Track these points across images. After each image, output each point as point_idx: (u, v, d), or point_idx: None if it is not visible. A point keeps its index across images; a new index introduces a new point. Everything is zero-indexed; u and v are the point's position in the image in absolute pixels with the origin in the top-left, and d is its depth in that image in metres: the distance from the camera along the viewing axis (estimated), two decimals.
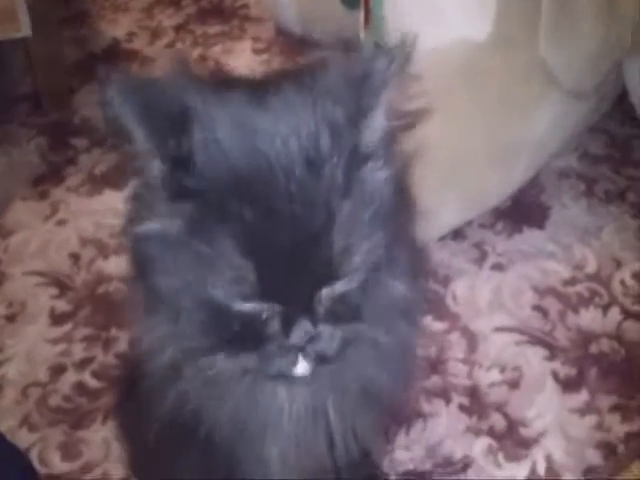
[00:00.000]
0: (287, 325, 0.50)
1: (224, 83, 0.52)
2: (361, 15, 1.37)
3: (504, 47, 1.14)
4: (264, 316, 0.51)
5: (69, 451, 0.94)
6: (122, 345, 1.05)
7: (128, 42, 1.73)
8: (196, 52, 1.67)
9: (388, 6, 1.31)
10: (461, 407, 0.98)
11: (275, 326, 0.51)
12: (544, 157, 1.21)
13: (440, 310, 1.08)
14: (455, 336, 1.06)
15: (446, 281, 1.13)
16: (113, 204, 1.29)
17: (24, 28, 1.37)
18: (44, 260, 1.19)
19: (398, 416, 0.84)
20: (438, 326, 1.07)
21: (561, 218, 1.24)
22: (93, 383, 1.01)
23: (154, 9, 1.85)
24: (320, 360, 0.52)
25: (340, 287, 0.51)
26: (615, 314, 1.09)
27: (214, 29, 1.75)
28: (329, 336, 0.51)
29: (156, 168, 0.48)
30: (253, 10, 1.80)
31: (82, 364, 1.04)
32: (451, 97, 1.11)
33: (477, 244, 1.20)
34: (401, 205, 0.53)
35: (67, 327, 1.08)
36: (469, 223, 1.21)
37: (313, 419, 0.61)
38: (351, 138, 0.47)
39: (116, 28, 1.78)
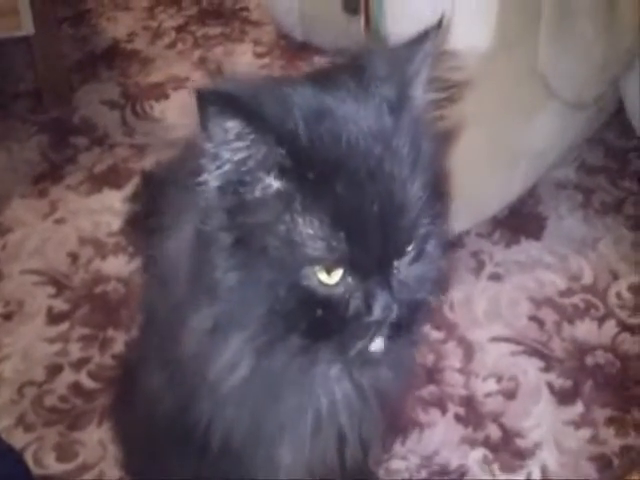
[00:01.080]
0: (369, 301, 0.52)
1: (290, 81, 0.56)
2: (362, 21, 1.38)
3: (504, 56, 1.14)
4: (348, 295, 0.52)
5: (64, 452, 0.94)
6: (119, 346, 1.04)
7: (129, 42, 1.72)
8: (196, 54, 1.67)
9: (388, 13, 1.32)
10: (457, 417, 0.98)
11: (357, 303, 0.52)
12: (543, 167, 1.22)
13: (437, 319, 1.09)
14: (452, 345, 1.07)
15: (444, 289, 1.14)
16: (111, 204, 1.29)
17: (27, 26, 1.36)
18: (42, 259, 1.18)
19: (395, 424, 0.84)
20: (435, 335, 1.07)
21: (558, 229, 1.24)
22: (89, 384, 1.01)
23: (155, 9, 1.84)
24: (394, 335, 0.54)
25: (408, 257, 0.53)
26: (611, 326, 1.09)
27: (214, 31, 1.75)
28: (401, 309, 0.53)
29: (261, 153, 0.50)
30: (254, 13, 1.80)
31: (79, 364, 1.03)
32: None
33: (475, 253, 1.20)
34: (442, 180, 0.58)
35: (64, 326, 1.08)
36: (467, 232, 1.21)
37: (327, 423, 0.62)
38: (406, 113, 0.52)
39: (117, 27, 1.77)
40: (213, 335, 0.56)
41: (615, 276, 1.16)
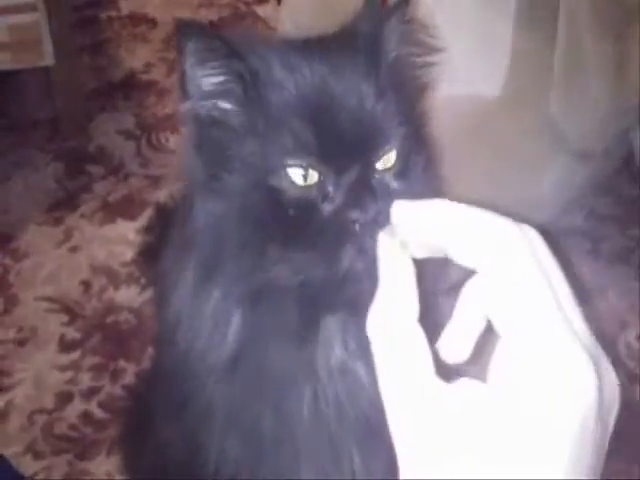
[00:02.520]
0: (349, 200, 0.51)
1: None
2: None
3: (514, 105, 1.17)
4: (323, 195, 0.51)
5: None
6: (129, 377, 1.05)
7: (145, 73, 1.75)
8: None
9: None
10: None
11: (336, 203, 0.51)
12: (551, 216, 1.24)
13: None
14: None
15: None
16: (125, 233, 1.30)
17: (47, 57, 1.39)
18: (55, 286, 1.19)
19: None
20: None
21: (565, 276, 1.25)
22: (99, 413, 1.01)
23: (172, 41, 1.87)
24: None
25: (387, 176, 0.54)
26: (619, 377, 1.10)
27: None
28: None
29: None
30: None
31: (89, 393, 1.04)
32: (459, 153, 1.14)
33: None
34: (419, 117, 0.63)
35: (75, 355, 1.09)
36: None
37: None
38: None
39: (134, 58, 1.80)
40: (195, 294, 0.55)
41: (623, 326, 1.17)
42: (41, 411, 1.01)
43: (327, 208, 0.51)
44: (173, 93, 1.67)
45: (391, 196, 0.50)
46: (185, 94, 0.54)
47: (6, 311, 1.15)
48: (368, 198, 0.50)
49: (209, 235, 0.54)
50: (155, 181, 1.43)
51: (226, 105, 0.54)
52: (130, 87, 1.70)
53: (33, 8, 1.36)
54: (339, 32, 0.61)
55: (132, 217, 1.33)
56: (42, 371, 1.06)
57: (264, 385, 0.58)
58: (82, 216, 1.34)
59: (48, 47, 1.39)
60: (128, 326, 1.13)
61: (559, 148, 1.14)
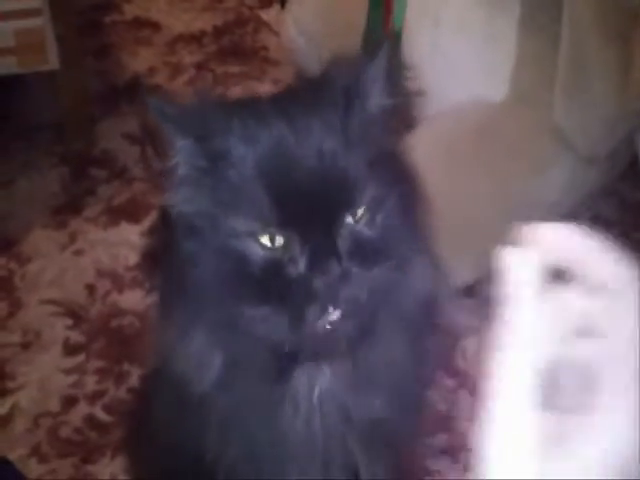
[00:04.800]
0: (312, 264, 0.52)
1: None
2: None
3: (519, 108, 1.18)
4: (287, 256, 0.53)
5: None
6: (133, 380, 1.05)
7: (149, 77, 1.76)
8: (216, 91, 1.70)
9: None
10: (468, 466, 0.98)
11: (300, 267, 0.53)
12: (556, 219, 1.24)
13: (450, 367, 1.10)
14: (464, 394, 1.07)
15: (457, 338, 1.15)
16: (129, 237, 1.31)
17: (53, 61, 1.40)
18: (60, 289, 1.20)
19: (406, 470, 0.84)
20: (448, 383, 1.08)
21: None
22: (104, 417, 1.02)
23: (176, 45, 1.88)
24: (351, 309, 0.53)
25: (358, 226, 0.54)
26: None
27: (234, 69, 1.79)
28: (356, 279, 0.53)
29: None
30: (273, 53, 1.84)
31: (94, 397, 1.04)
32: (465, 157, 1.15)
33: (487, 300, 1.21)
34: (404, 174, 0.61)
35: (80, 358, 1.09)
36: (479, 280, 1.22)
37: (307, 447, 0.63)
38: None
39: (138, 62, 1.81)
40: (182, 333, 0.58)
41: None
42: (46, 414, 1.02)
43: (292, 270, 0.53)
44: (178, 98, 1.68)
45: (362, 244, 0.54)
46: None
47: (11, 315, 1.15)
48: (331, 261, 0.52)
49: (192, 283, 0.57)
50: (159, 184, 1.43)
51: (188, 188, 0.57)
52: (134, 91, 1.70)
53: (38, 13, 1.37)
54: (316, 80, 0.60)
55: (136, 220, 1.34)
56: (47, 374, 1.07)
57: (244, 411, 0.61)
58: (86, 220, 1.35)
59: (53, 51, 1.40)
60: (132, 330, 1.14)
61: (565, 152, 1.14)
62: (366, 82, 0.57)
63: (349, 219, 0.54)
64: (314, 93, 0.57)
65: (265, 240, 0.53)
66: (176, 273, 0.58)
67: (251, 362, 0.59)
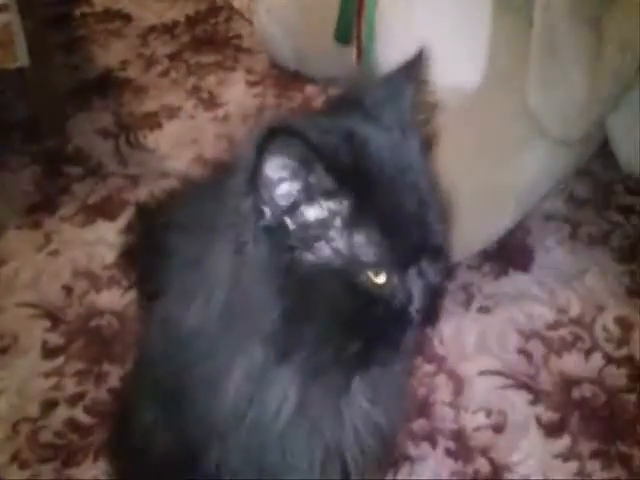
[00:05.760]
0: (410, 291, 0.57)
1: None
2: (354, 51, 1.41)
3: (495, 92, 1.17)
4: (393, 290, 0.56)
5: None
6: (114, 381, 1.05)
7: (122, 70, 1.74)
8: (190, 82, 1.69)
9: (380, 48, 1.35)
10: (447, 451, 1.00)
11: (401, 295, 0.57)
12: (532, 201, 1.24)
13: (427, 352, 1.11)
14: (442, 379, 1.09)
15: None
16: (105, 235, 1.30)
17: (22, 58, 1.38)
18: (37, 291, 1.19)
19: (388, 457, 0.86)
20: (426, 368, 1.09)
21: (546, 261, 1.27)
22: (85, 419, 1.02)
23: (148, 37, 1.86)
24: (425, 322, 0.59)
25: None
26: (597, 359, 1.12)
27: (208, 58, 1.77)
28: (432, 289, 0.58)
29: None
30: (246, 41, 1.82)
31: (74, 399, 1.04)
32: (442, 142, 1.14)
33: (464, 286, 1.22)
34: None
35: (59, 361, 1.09)
36: (457, 264, 1.23)
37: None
38: (413, 133, 0.60)
39: (110, 55, 1.79)
40: (260, 379, 0.59)
41: (601, 308, 1.19)
42: (26, 420, 1.01)
43: (394, 302, 0.57)
44: (150, 90, 1.67)
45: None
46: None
47: None
48: (423, 286, 0.57)
49: (287, 325, 0.56)
50: (134, 180, 1.43)
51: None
52: (107, 85, 1.69)
53: (5, 9, 1.35)
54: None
55: (112, 218, 1.33)
56: (25, 379, 1.06)
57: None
58: (62, 219, 1.34)
59: (22, 48, 1.38)
60: (111, 329, 1.14)
61: (539, 135, 1.14)
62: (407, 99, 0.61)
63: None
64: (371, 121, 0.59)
65: (377, 278, 0.55)
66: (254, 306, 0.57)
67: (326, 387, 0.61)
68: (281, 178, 0.52)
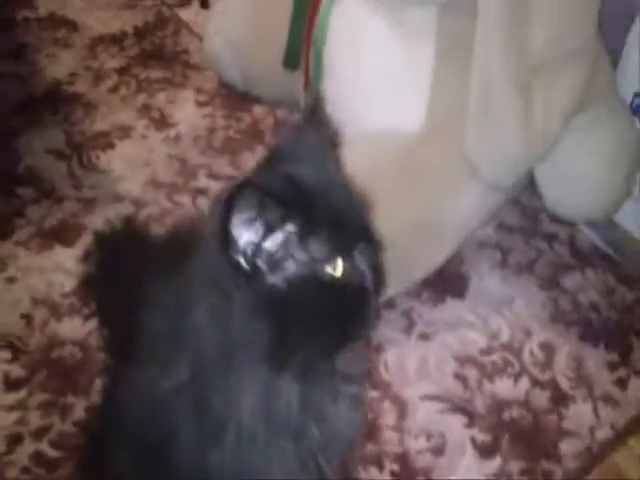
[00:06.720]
0: (358, 269, 0.69)
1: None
2: (302, 78, 1.47)
3: (435, 136, 1.26)
4: (348, 273, 0.68)
5: None
6: (79, 412, 1.09)
7: (70, 84, 1.73)
8: (140, 99, 1.71)
9: (327, 81, 1.41)
10: (393, 473, 1.10)
11: (355, 276, 0.69)
12: (467, 234, 1.35)
13: (374, 379, 1.20)
14: (387, 404, 1.18)
15: (378, 350, 1.25)
16: (63, 262, 1.33)
17: None
18: None
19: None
20: (372, 394, 1.19)
21: (479, 288, 1.38)
22: (52, 453, 1.05)
23: (96, 48, 1.85)
24: None
25: None
26: (524, 382, 1.24)
27: (157, 74, 1.78)
28: None
29: None
30: (194, 57, 1.84)
31: (39, 433, 1.07)
32: (382, 179, 1.23)
33: (406, 312, 1.32)
34: None
35: (22, 394, 1.11)
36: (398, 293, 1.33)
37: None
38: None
39: (57, 67, 1.77)
40: (267, 394, 0.68)
41: (528, 334, 1.31)
42: None
43: (353, 283, 0.68)
44: (100, 107, 1.67)
45: None
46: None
47: None
48: (368, 266, 0.70)
49: (276, 338, 0.65)
50: (89, 203, 1.45)
51: None
52: (55, 99, 1.67)
53: None
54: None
55: (69, 244, 1.35)
56: None
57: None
58: (17, 244, 1.35)
59: None
60: (74, 360, 1.17)
61: (474, 178, 1.24)
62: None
63: None
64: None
65: (336, 271, 0.66)
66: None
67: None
68: (248, 228, 0.62)
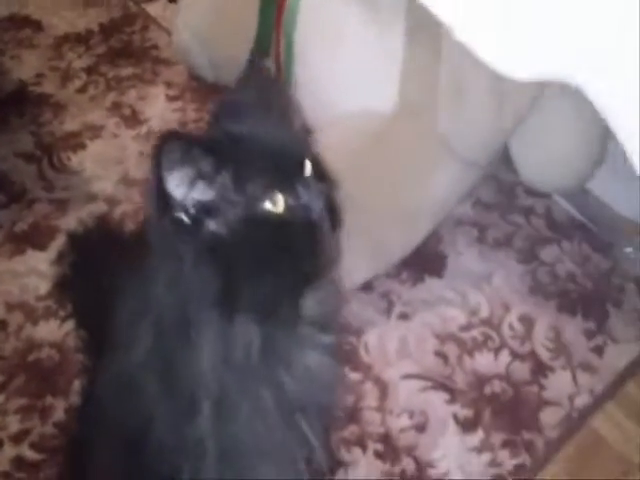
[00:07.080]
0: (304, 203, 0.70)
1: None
2: (272, 65, 1.46)
3: (408, 117, 1.26)
4: (293, 208, 0.68)
5: None
6: (59, 414, 1.09)
7: (37, 85, 1.71)
8: (109, 98, 1.69)
9: (299, 67, 1.41)
10: (376, 453, 1.10)
11: (300, 210, 0.69)
12: (444, 213, 1.35)
13: (354, 361, 1.20)
14: (368, 385, 1.19)
15: (358, 332, 1.25)
16: (36, 265, 1.32)
17: None
18: None
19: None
20: (353, 376, 1.19)
21: (457, 266, 1.38)
22: (33, 456, 1.05)
23: (62, 47, 1.83)
24: None
25: None
26: (505, 356, 1.24)
27: (126, 71, 1.77)
28: None
29: None
30: (164, 52, 1.82)
31: (19, 437, 1.07)
32: (358, 162, 1.23)
33: (384, 294, 1.32)
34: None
35: (0, 399, 1.11)
36: (376, 275, 1.33)
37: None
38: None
39: (22, 68, 1.75)
40: (225, 338, 0.67)
41: (507, 308, 1.31)
42: None
43: (299, 217, 0.68)
44: (69, 107, 1.66)
45: None
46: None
47: None
48: (315, 199, 0.71)
49: (226, 284, 0.65)
50: (61, 205, 1.44)
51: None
52: (22, 101, 1.66)
53: None
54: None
55: (42, 247, 1.35)
56: None
57: None
58: None
59: None
60: (51, 362, 1.17)
61: (449, 157, 1.24)
62: None
63: None
64: None
65: (277, 207, 0.66)
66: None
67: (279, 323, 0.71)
68: (181, 181, 0.62)
